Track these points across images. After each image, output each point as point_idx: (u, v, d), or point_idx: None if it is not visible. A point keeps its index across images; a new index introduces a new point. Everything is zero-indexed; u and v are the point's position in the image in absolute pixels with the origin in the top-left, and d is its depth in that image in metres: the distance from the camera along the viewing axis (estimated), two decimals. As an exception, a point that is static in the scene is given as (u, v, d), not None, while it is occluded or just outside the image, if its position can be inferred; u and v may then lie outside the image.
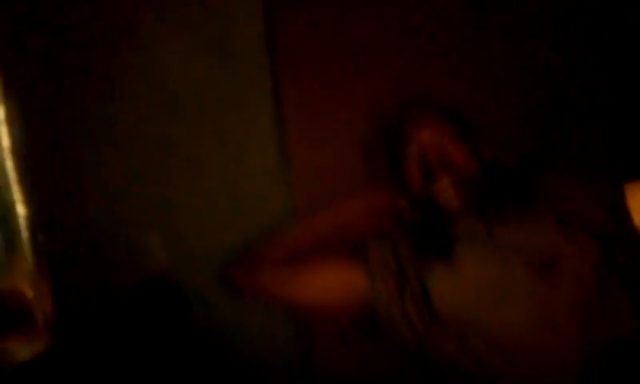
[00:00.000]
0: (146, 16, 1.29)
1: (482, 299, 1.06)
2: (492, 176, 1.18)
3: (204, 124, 1.32)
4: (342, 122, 1.35)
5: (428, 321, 1.09)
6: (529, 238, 1.09)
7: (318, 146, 1.35)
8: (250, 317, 1.33)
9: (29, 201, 1.27)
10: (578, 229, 1.08)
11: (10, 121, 1.26)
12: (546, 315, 1.03)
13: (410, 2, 1.37)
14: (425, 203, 1.17)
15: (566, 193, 1.15)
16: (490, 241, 1.11)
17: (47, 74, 1.26)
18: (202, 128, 1.32)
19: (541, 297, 1.04)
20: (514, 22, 1.38)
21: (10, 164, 1.27)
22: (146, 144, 1.30)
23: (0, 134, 1.27)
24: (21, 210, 1.28)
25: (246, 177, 1.34)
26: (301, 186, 1.35)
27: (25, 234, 1.29)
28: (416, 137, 1.17)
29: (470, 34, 1.38)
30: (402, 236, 1.21)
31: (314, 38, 1.34)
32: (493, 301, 1.06)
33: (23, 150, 1.27)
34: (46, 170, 1.28)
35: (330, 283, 1.19)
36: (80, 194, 1.29)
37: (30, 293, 1.30)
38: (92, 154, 1.29)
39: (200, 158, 1.32)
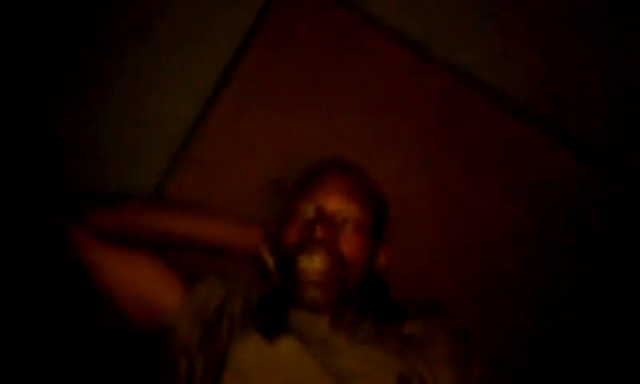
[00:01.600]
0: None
1: None
2: (372, 289, 1.02)
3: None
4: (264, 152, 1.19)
5: None
6: (363, 375, 0.92)
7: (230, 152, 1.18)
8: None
9: None
10: None
11: None
12: None
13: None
14: (283, 271, 0.99)
15: (434, 354, 0.97)
16: (323, 354, 0.93)
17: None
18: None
19: None
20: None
21: None
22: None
23: None
24: None
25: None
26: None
27: None
28: (317, 198, 0.97)
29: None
30: (246, 290, 1.06)
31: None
32: None
33: None
34: None
35: (144, 283, 1.01)
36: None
37: None
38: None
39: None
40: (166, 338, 0.99)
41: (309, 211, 0.98)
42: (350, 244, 0.96)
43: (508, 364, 1.21)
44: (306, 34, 1.21)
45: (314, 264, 0.94)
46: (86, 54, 1.16)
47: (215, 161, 1.18)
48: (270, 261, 1.05)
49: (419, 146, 1.23)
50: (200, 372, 0.95)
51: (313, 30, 1.21)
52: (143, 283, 1.01)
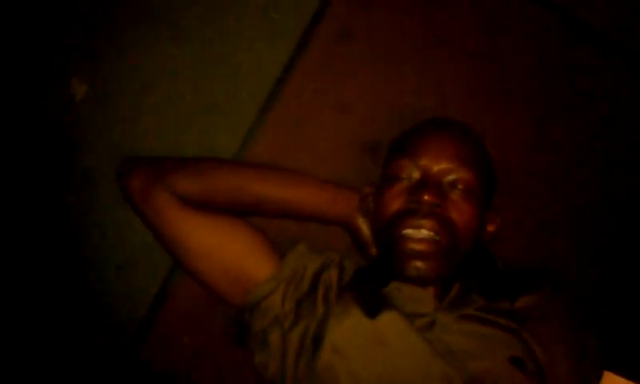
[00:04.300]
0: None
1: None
2: (480, 260, 0.93)
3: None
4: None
5: (302, 366, 0.86)
6: (473, 355, 0.83)
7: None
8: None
9: None
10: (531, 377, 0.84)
11: None
12: None
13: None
14: (383, 244, 0.90)
15: (549, 332, 0.88)
16: (428, 332, 0.85)
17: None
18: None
19: None
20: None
21: None
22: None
23: None
24: None
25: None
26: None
27: None
28: (422, 158, 0.88)
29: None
30: (340, 260, 0.98)
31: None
32: None
33: None
34: None
35: (233, 252, 0.94)
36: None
37: None
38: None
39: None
40: (256, 310, 0.93)
41: (413, 173, 0.89)
42: (459, 210, 0.86)
43: (627, 340, 1.09)
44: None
45: (420, 232, 0.85)
46: (164, 6, 1.09)
47: (302, 120, 1.09)
48: (366, 230, 0.97)
49: (528, 101, 1.11)
50: (294, 347, 0.89)
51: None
52: (232, 252, 0.94)
